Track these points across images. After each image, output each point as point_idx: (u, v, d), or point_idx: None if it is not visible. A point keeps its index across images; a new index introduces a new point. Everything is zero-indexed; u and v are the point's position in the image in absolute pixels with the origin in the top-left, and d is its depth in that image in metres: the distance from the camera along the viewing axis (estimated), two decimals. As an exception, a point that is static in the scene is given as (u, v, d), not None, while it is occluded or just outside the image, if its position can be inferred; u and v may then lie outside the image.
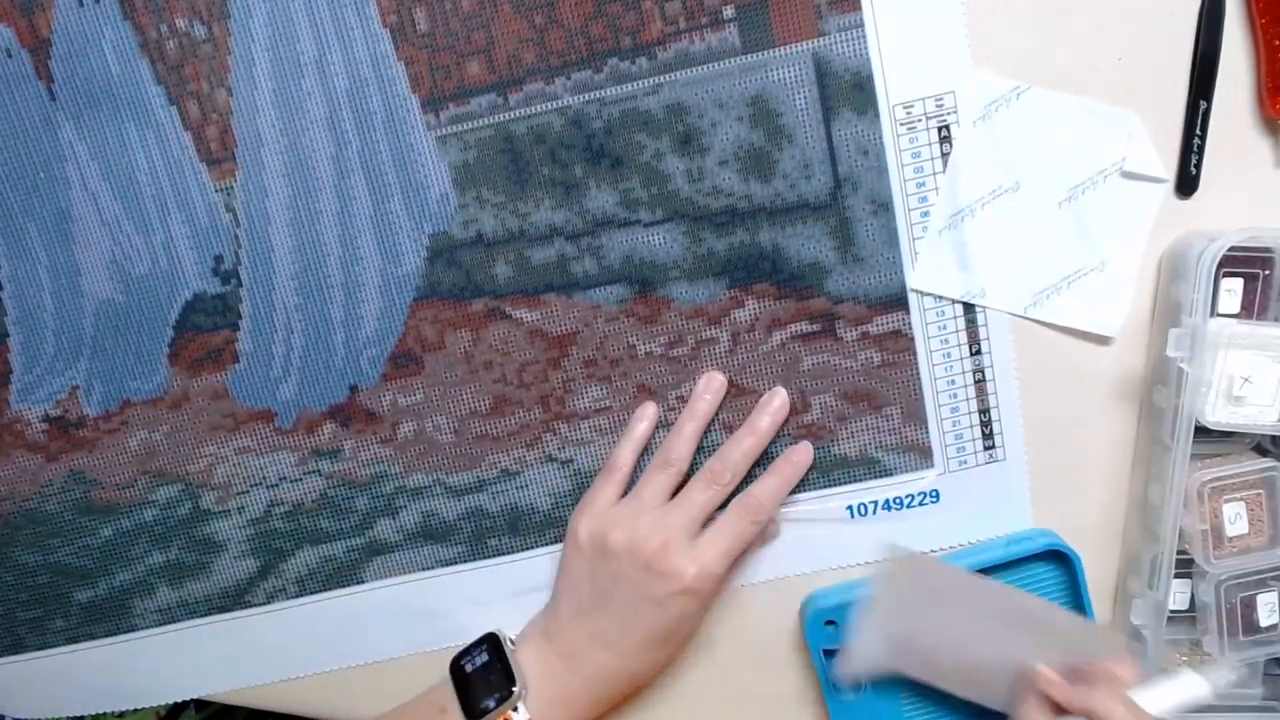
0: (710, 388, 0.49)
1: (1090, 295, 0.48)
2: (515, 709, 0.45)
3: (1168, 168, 0.47)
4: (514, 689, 0.45)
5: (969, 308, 0.48)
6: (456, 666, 0.49)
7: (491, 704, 0.45)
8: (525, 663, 0.47)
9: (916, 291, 0.48)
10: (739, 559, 0.49)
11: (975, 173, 0.47)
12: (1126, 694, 0.41)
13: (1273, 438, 0.49)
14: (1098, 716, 0.40)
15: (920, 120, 0.46)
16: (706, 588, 0.46)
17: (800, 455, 0.49)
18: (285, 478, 0.52)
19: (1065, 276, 0.48)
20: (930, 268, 0.48)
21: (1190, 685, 0.43)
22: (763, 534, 0.50)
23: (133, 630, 0.55)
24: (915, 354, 0.49)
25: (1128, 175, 0.46)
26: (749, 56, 0.46)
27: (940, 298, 0.48)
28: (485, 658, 0.48)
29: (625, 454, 0.49)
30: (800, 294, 0.49)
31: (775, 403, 0.49)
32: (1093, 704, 0.41)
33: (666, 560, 0.45)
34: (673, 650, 0.48)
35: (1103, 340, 0.49)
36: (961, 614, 0.47)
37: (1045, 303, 0.48)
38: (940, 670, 0.48)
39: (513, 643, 0.49)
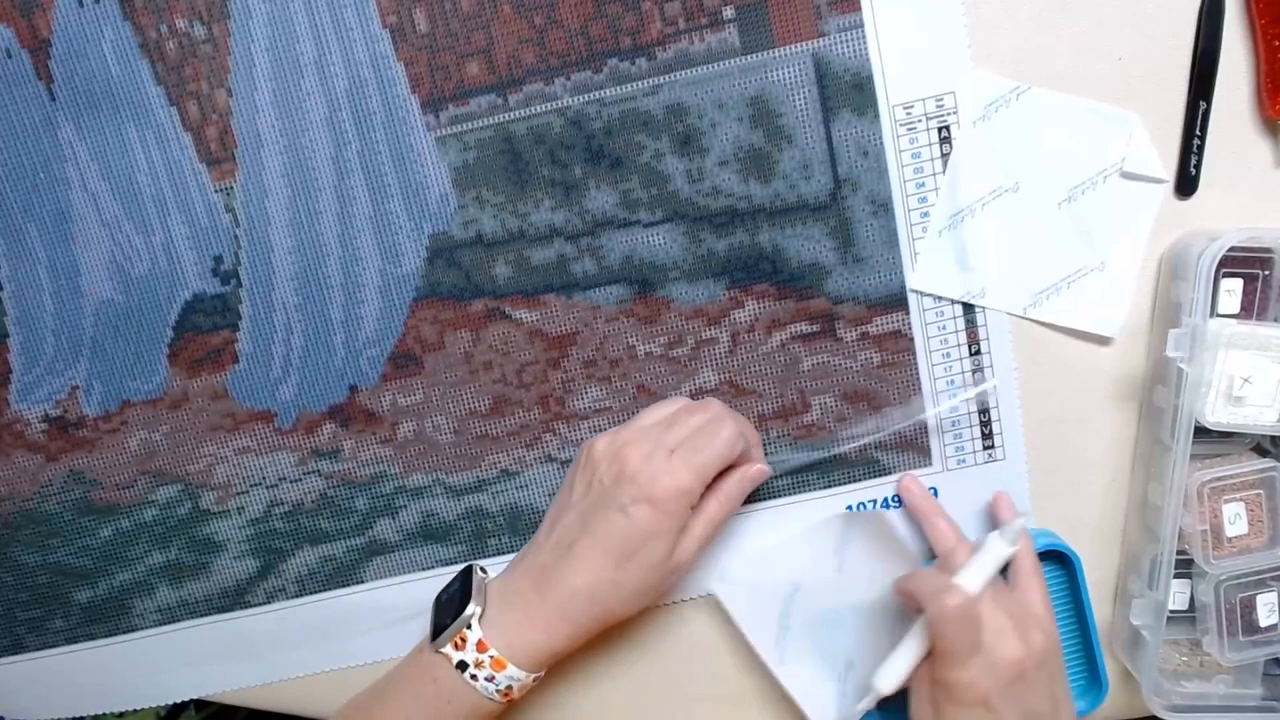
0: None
1: (1090, 295, 0.48)
2: (469, 626, 0.44)
3: (1167, 168, 0.47)
4: (468, 610, 0.45)
5: (969, 308, 0.48)
6: (437, 598, 0.49)
7: (450, 621, 0.45)
8: (492, 587, 0.46)
9: (916, 292, 0.48)
10: (718, 526, 0.47)
11: (975, 173, 0.47)
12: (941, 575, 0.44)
13: (1272, 438, 0.49)
14: (913, 596, 0.44)
15: (920, 120, 0.46)
16: (670, 501, 0.43)
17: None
18: (285, 478, 0.52)
19: (1065, 277, 0.48)
20: (930, 268, 0.48)
21: (992, 549, 0.44)
22: (747, 478, 0.47)
23: (133, 630, 0.55)
24: (915, 354, 0.49)
25: (1127, 175, 0.46)
26: (749, 57, 0.46)
27: (940, 298, 0.48)
28: (458, 585, 0.47)
29: None
30: (800, 294, 0.49)
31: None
32: (906, 586, 0.44)
33: (638, 465, 0.43)
34: (637, 575, 0.44)
35: (1103, 340, 0.49)
36: (817, 586, 0.51)
37: (1045, 303, 0.48)
38: (874, 644, 0.49)
39: (484, 571, 0.49)
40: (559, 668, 0.55)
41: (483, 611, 0.45)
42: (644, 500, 0.43)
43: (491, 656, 0.44)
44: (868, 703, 0.45)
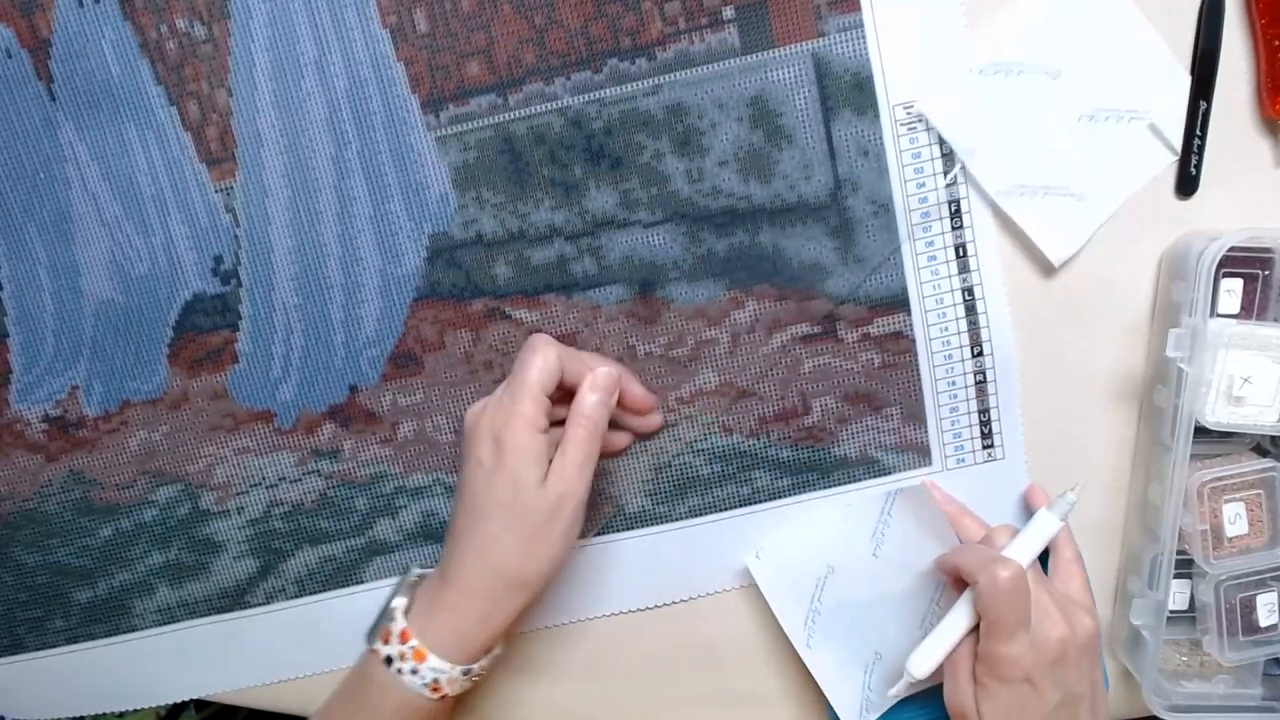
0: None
1: (1056, 217, 0.47)
2: (393, 619, 0.44)
3: (1168, 167, 0.47)
4: (393, 602, 0.45)
5: (970, 309, 0.48)
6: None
7: (380, 619, 0.46)
8: (424, 584, 0.46)
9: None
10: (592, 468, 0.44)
11: (1034, 34, 0.45)
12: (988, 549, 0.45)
13: (1272, 438, 0.49)
14: (960, 569, 0.44)
15: (920, 120, 0.46)
16: (501, 431, 0.42)
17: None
18: (285, 478, 0.52)
19: (1047, 186, 0.47)
20: (943, 97, 0.46)
21: (1042, 524, 0.45)
22: (597, 385, 0.44)
23: (133, 630, 0.55)
24: (916, 355, 0.49)
25: (1153, 129, 0.46)
26: (749, 57, 0.46)
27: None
28: (394, 588, 0.48)
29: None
30: (801, 295, 0.49)
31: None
32: (954, 560, 0.45)
33: (469, 419, 0.44)
34: (517, 524, 0.42)
35: (1048, 268, 0.48)
36: (852, 571, 0.51)
37: (1019, 199, 0.47)
38: (902, 634, 0.50)
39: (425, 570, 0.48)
40: (559, 668, 0.55)
41: (409, 604, 0.45)
42: (480, 444, 0.43)
43: (413, 648, 0.44)
44: (900, 689, 0.45)
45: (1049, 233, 0.47)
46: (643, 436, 0.50)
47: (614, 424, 0.48)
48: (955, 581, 0.45)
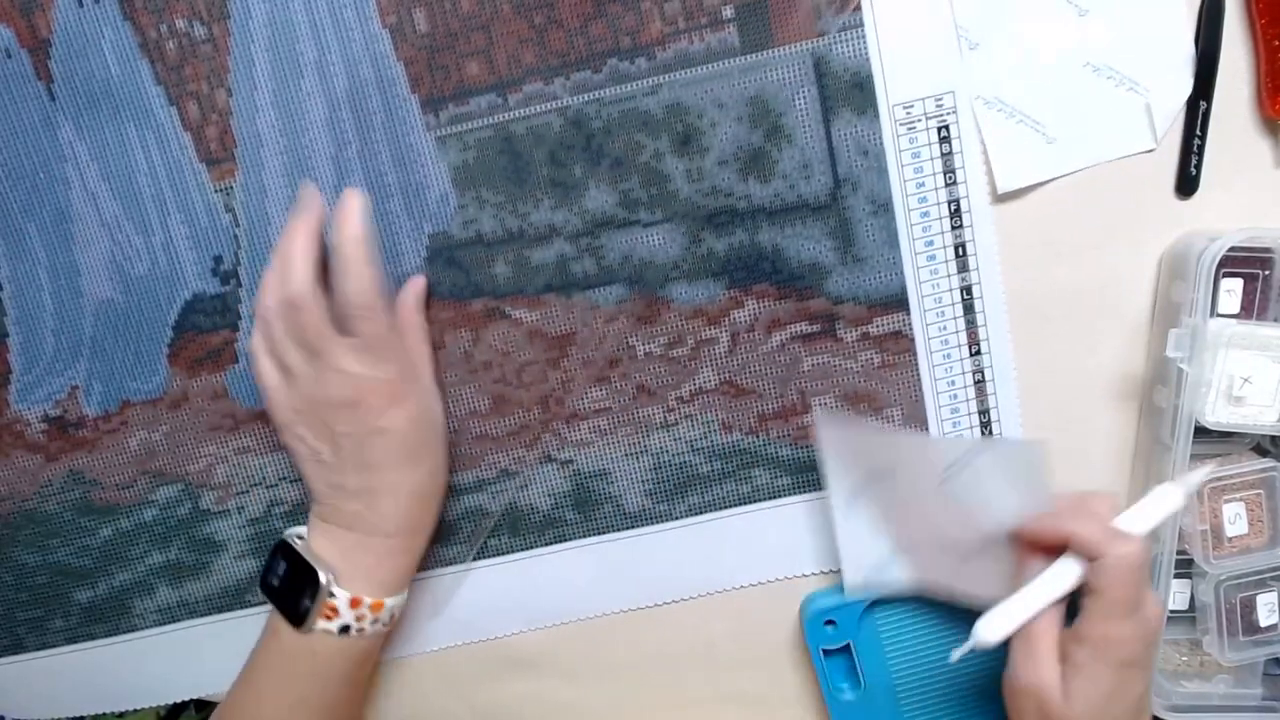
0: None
1: (1023, 147, 0.47)
2: (332, 594, 0.44)
3: (1168, 167, 0.47)
4: (320, 580, 0.44)
5: (969, 309, 0.48)
6: (266, 586, 0.47)
7: (308, 603, 0.45)
8: (320, 549, 0.46)
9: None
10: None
11: None
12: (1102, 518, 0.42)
13: (1272, 438, 0.49)
14: (1076, 538, 0.41)
15: (920, 120, 0.46)
16: (387, 391, 0.43)
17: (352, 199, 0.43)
18: (285, 477, 0.52)
19: (1026, 114, 0.46)
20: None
21: (1164, 497, 0.42)
22: (411, 297, 0.47)
23: (133, 630, 0.55)
24: (916, 355, 0.49)
25: (1147, 111, 0.46)
26: (748, 57, 0.46)
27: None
28: (284, 565, 0.46)
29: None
30: (800, 294, 0.49)
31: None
32: (1070, 527, 0.41)
33: (347, 396, 0.43)
34: (425, 452, 0.46)
35: (998, 194, 0.47)
36: (913, 486, 0.47)
37: (995, 112, 0.46)
38: (932, 565, 0.47)
39: (301, 539, 0.47)
40: (558, 667, 0.55)
41: (335, 575, 0.45)
42: (379, 410, 0.43)
43: (370, 605, 0.45)
44: (962, 654, 0.42)
45: (1008, 158, 0.47)
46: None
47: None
48: (1035, 548, 0.43)
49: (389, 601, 0.46)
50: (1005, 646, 0.43)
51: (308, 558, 0.45)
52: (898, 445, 0.48)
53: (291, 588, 0.45)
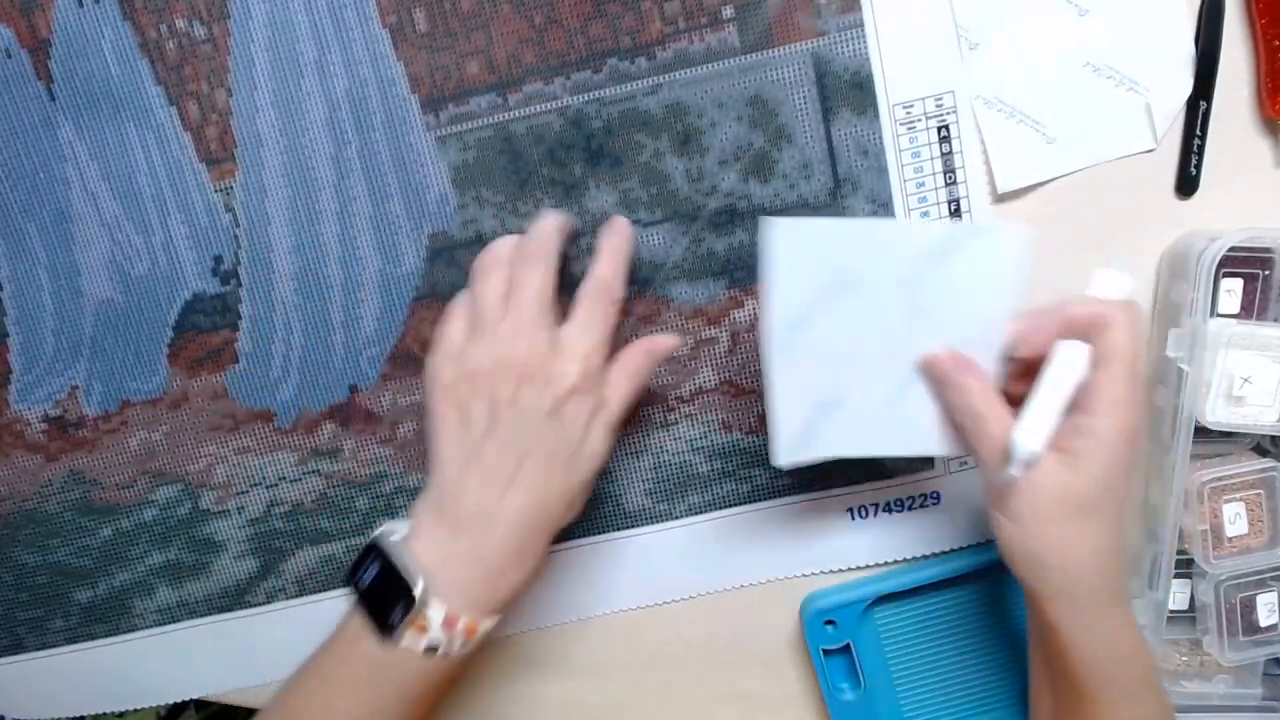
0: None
1: (1023, 147, 0.47)
2: (426, 608, 0.40)
3: (1168, 167, 0.47)
4: (414, 592, 0.40)
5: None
6: (355, 586, 0.42)
7: (399, 617, 0.40)
8: (422, 553, 0.41)
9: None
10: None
11: None
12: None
13: (1272, 438, 0.49)
14: (1075, 317, 0.39)
15: (920, 120, 0.46)
16: (593, 384, 0.41)
17: (621, 224, 0.46)
18: (285, 478, 0.52)
19: (1026, 114, 0.46)
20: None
21: (1109, 281, 0.40)
22: (654, 350, 0.45)
23: (133, 630, 0.55)
24: (915, 354, 0.49)
25: (1147, 111, 0.46)
26: (748, 56, 0.46)
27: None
28: (376, 568, 0.42)
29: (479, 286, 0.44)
30: (800, 294, 0.48)
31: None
32: (1069, 311, 0.39)
33: (541, 364, 0.40)
34: (581, 473, 0.42)
35: (996, 194, 0.47)
36: (871, 292, 0.41)
37: (995, 112, 0.46)
38: (874, 409, 0.42)
39: (396, 538, 0.43)
40: (557, 667, 0.55)
41: (430, 586, 0.40)
42: (570, 394, 0.41)
43: (465, 627, 0.41)
44: (1018, 468, 0.38)
45: (1007, 158, 0.47)
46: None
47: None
48: (1043, 335, 0.39)
49: (484, 624, 0.41)
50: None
51: (402, 565, 0.41)
52: (857, 240, 0.41)
53: (383, 595, 0.41)
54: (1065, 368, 0.38)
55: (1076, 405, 0.38)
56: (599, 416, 0.43)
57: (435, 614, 0.40)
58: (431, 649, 0.40)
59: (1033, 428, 0.38)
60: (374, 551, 0.42)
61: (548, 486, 0.41)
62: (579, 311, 0.43)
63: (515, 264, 0.44)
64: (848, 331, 0.41)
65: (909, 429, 0.42)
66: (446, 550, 0.41)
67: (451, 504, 0.42)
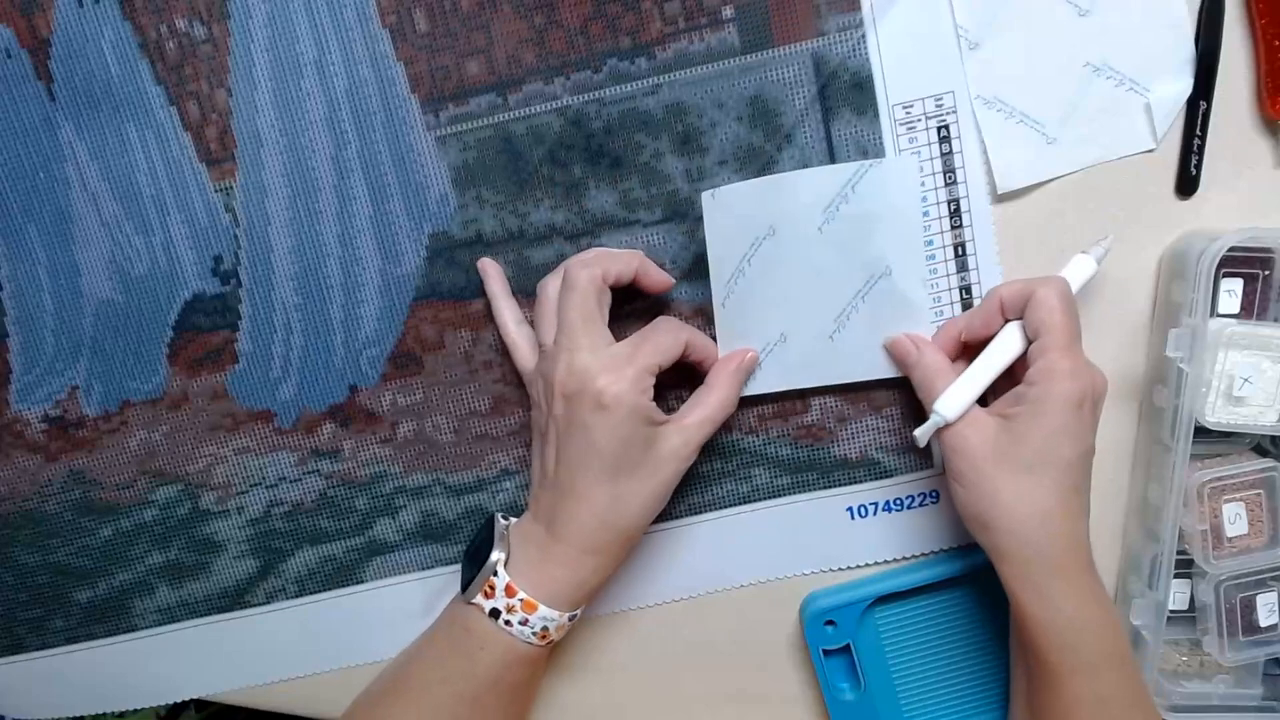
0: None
1: (1023, 147, 0.47)
2: (495, 573, 0.44)
3: (1168, 167, 0.47)
4: (492, 557, 0.45)
5: (969, 307, 0.48)
6: (464, 554, 0.49)
7: (474, 570, 0.46)
8: (513, 532, 0.46)
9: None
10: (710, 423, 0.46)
11: None
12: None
13: (1272, 438, 0.49)
14: (1005, 298, 0.43)
15: (920, 120, 0.46)
16: (620, 400, 0.42)
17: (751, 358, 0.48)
18: (285, 478, 0.52)
19: (1026, 114, 0.46)
20: None
21: (1080, 266, 0.45)
22: (743, 367, 0.47)
23: (133, 630, 0.55)
24: (915, 354, 0.49)
25: (1147, 111, 0.46)
26: (748, 56, 0.46)
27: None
28: (483, 537, 0.47)
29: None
30: (800, 294, 0.48)
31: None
32: (999, 292, 0.44)
33: (582, 377, 0.42)
34: (632, 485, 0.44)
35: (998, 194, 0.46)
36: (794, 238, 0.46)
37: (995, 112, 0.46)
38: (810, 342, 0.47)
39: (507, 519, 0.48)
40: (556, 665, 0.55)
41: (507, 557, 0.45)
42: (594, 408, 0.42)
43: (521, 600, 0.44)
44: (927, 430, 0.44)
45: (1007, 157, 0.47)
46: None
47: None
48: (960, 345, 0.45)
49: (542, 610, 0.44)
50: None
51: (497, 533, 0.46)
52: (773, 193, 0.46)
53: (475, 558, 0.46)
54: (999, 343, 0.44)
55: (1017, 376, 0.43)
56: (632, 432, 0.43)
57: (500, 581, 0.44)
58: (494, 612, 0.44)
59: (951, 396, 0.43)
60: (488, 523, 0.48)
61: (597, 498, 0.44)
62: (642, 331, 0.45)
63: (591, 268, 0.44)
64: (781, 275, 0.46)
65: (850, 358, 0.47)
66: (527, 534, 0.46)
67: (536, 504, 0.46)
